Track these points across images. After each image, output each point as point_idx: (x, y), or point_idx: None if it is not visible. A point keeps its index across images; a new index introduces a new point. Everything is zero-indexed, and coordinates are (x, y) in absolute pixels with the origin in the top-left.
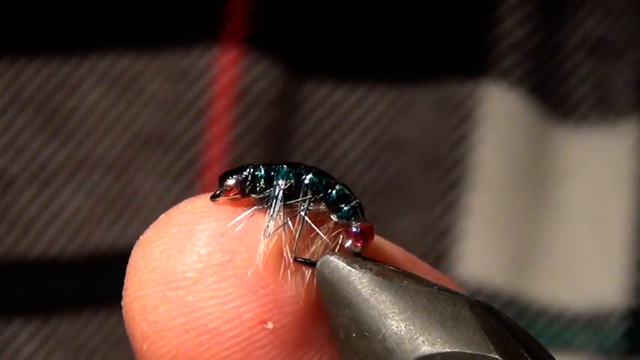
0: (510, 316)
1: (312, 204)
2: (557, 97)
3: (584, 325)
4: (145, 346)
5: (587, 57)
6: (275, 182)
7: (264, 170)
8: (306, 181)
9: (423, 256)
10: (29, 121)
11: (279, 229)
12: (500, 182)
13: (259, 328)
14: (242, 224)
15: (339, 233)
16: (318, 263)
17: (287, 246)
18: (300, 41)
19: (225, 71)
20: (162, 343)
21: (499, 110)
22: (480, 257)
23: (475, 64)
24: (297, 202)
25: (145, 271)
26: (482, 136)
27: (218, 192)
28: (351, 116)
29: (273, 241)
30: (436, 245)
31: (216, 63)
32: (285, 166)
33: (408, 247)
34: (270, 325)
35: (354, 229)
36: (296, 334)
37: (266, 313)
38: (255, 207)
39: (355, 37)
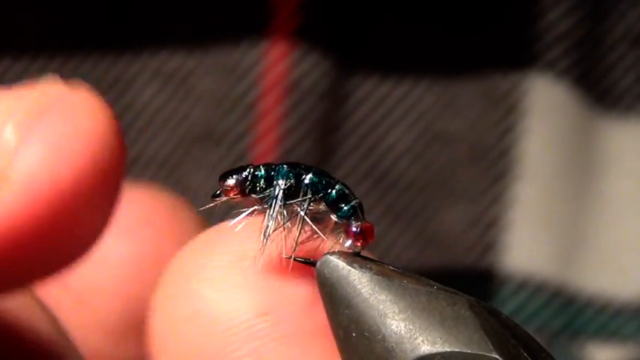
0: (558, 306)
1: (312, 204)
2: (601, 87)
3: (631, 315)
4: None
5: (631, 48)
6: (275, 182)
7: (264, 170)
8: (306, 181)
9: (470, 248)
10: None
11: (279, 229)
12: (546, 173)
13: (259, 320)
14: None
15: (339, 233)
16: (318, 263)
17: (287, 245)
18: (348, 34)
19: (275, 65)
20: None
21: (544, 101)
22: (527, 248)
23: (520, 55)
24: (297, 201)
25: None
26: (528, 127)
27: (218, 192)
28: (397, 110)
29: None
30: (484, 236)
31: (265, 57)
32: (285, 165)
33: (457, 239)
34: (269, 318)
35: (354, 229)
36: (295, 329)
37: (266, 307)
38: (255, 207)
39: (401, 29)
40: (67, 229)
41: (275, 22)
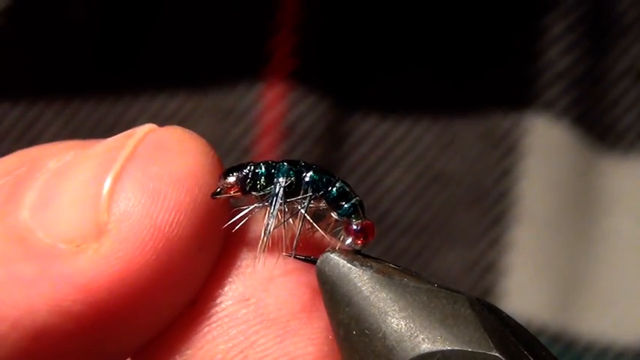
0: (557, 351)
1: (312, 201)
2: (602, 126)
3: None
4: None
5: (633, 85)
6: (276, 180)
7: (265, 168)
8: (307, 179)
9: (468, 292)
10: None
11: (280, 227)
12: (545, 215)
13: (242, 304)
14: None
15: (339, 231)
16: (319, 261)
17: (287, 243)
18: (345, 75)
19: (271, 108)
20: None
21: (544, 142)
22: (525, 292)
23: (520, 94)
24: (298, 199)
25: None
26: (527, 168)
27: (219, 189)
28: (396, 150)
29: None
30: (481, 280)
31: (261, 100)
32: (285, 163)
33: (454, 283)
34: (251, 301)
35: (355, 227)
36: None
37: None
38: (255, 204)
39: (399, 69)
40: (175, 276)
41: (271, 64)
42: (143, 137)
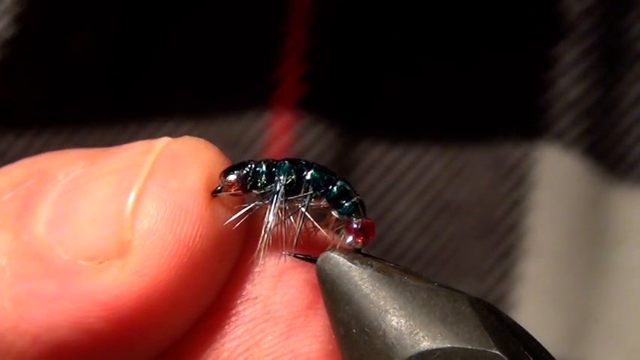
0: None
1: (313, 200)
2: (613, 156)
3: None
4: None
5: None
6: (276, 178)
7: (266, 166)
8: (308, 177)
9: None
10: None
11: (280, 225)
12: (555, 247)
13: (246, 299)
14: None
15: (340, 229)
16: (319, 259)
17: (287, 242)
18: (353, 102)
19: (279, 137)
20: None
21: (554, 172)
22: (534, 326)
23: (530, 124)
24: (299, 197)
25: None
26: (537, 200)
27: (219, 187)
28: (405, 178)
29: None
30: None
31: (268, 129)
32: (286, 161)
33: None
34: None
35: (355, 226)
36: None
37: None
38: (256, 202)
39: (408, 96)
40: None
41: (278, 93)
42: (161, 152)
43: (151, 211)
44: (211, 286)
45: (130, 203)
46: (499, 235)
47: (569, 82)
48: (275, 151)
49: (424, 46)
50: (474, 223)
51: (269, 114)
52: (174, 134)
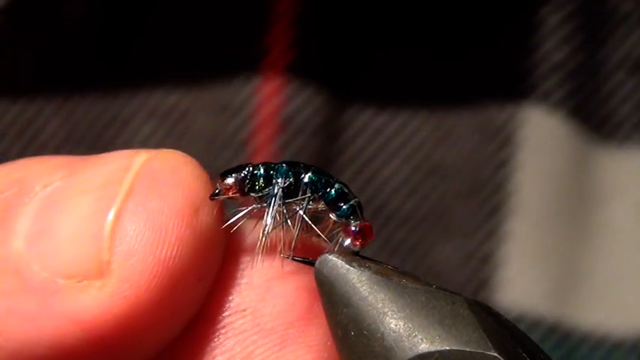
0: (553, 343)
1: (311, 203)
2: (598, 117)
3: (628, 352)
4: None
5: (629, 76)
6: (274, 181)
7: (264, 169)
8: (305, 180)
9: (464, 284)
10: None
11: (278, 228)
12: (541, 207)
13: (235, 311)
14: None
15: (338, 232)
16: (317, 262)
17: (285, 245)
18: (342, 68)
19: (268, 101)
20: None
21: (539, 133)
22: (521, 284)
23: (515, 87)
24: (296, 200)
25: None
26: (523, 160)
27: (217, 191)
28: (393, 142)
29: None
30: (477, 272)
31: (257, 93)
32: (284, 164)
33: (451, 274)
34: (247, 310)
35: (353, 228)
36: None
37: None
38: (253, 205)
39: (395, 62)
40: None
41: (268, 58)
42: (140, 170)
43: (130, 232)
44: (191, 304)
45: (108, 223)
46: (486, 195)
47: (554, 44)
48: (264, 116)
49: (412, 12)
50: (461, 184)
51: (258, 79)
52: (165, 101)
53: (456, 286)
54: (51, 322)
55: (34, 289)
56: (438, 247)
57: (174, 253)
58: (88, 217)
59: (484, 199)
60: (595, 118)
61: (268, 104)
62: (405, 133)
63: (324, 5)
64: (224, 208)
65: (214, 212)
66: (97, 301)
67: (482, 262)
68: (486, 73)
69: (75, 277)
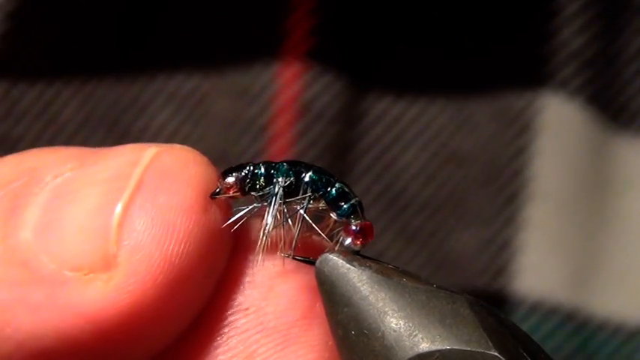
0: (570, 330)
1: (311, 202)
2: (616, 105)
3: None
4: None
5: None
6: (275, 180)
7: (264, 168)
8: (306, 179)
9: (482, 271)
10: (101, 142)
11: (278, 227)
12: (559, 194)
13: (238, 309)
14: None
15: (338, 231)
16: (318, 261)
17: (286, 244)
18: (361, 54)
19: (287, 87)
20: None
21: (557, 120)
22: (539, 271)
23: (533, 74)
24: (297, 199)
25: None
26: (541, 147)
27: (218, 190)
28: (411, 130)
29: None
30: (495, 259)
31: (277, 79)
32: (285, 163)
33: (469, 261)
34: (249, 309)
35: (354, 228)
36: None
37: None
38: (254, 205)
39: (414, 49)
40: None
41: (288, 43)
42: (149, 164)
43: (137, 227)
44: (197, 301)
45: (116, 217)
46: (504, 182)
47: (572, 32)
48: (283, 101)
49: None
50: (479, 171)
51: (278, 64)
52: (183, 85)
53: (474, 274)
54: (57, 313)
55: (41, 281)
56: (455, 234)
57: (181, 249)
58: (96, 209)
59: (502, 185)
60: (612, 106)
61: (288, 90)
62: (423, 120)
63: None
64: (231, 206)
65: (222, 210)
66: (103, 294)
67: (500, 249)
68: (504, 60)
69: (82, 269)
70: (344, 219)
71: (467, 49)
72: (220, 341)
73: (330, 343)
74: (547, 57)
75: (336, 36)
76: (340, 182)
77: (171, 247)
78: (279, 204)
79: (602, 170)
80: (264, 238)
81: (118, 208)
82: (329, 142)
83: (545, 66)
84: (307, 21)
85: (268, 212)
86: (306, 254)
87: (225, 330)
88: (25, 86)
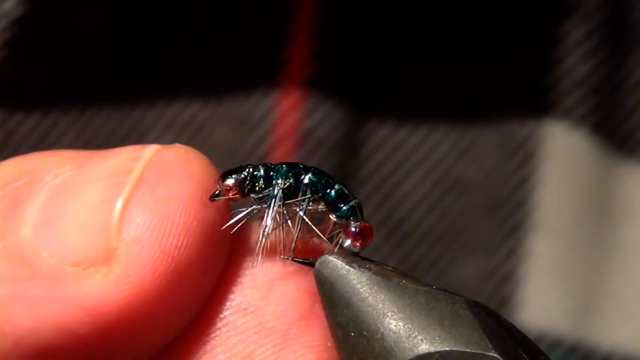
0: None
1: (311, 203)
2: (620, 134)
3: None
4: None
5: None
6: (274, 182)
7: (264, 170)
8: (305, 181)
9: (485, 302)
10: None
11: (278, 229)
12: (563, 224)
13: (237, 309)
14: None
15: (338, 233)
16: (317, 263)
17: (285, 245)
18: (361, 82)
19: (287, 115)
20: None
21: (561, 149)
22: (542, 302)
23: (537, 102)
24: (297, 201)
25: None
26: (544, 176)
27: (217, 192)
28: (412, 157)
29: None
30: (498, 290)
31: (277, 107)
32: (284, 165)
33: (471, 292)
34: (248, 309)
35: (353, 229)
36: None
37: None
38: (254, 206)
39: (416, 75)
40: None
41: (287, 71)
42: (150, 160)
43: (137, 220)
44: (195, 296)
45: (117, 211)
46: (507, 212)
47: (576, 60)
48: (283, 130)
49: (433, 26)
50: (481, 200)
51: (278, 92)
52: (182, 113)
53: None
54: (57, 307)
55: (41, 276)
56: (458, 263)
57: (180, 242)
58: (97, 204)
59: (505, 215)
60: (618, 134)
61: (288, 118)
62: (425, 148)
63: (344, 19)
64: (230, 208)
65: (222, 211)
66: (103, 287)
67: (503, 280)
68: (508, 87)
69: (82, 263)
70: (343, 220)
71: (469, 77)
72: (219, 341)
73: (329, 344)
74: (551, 85)
75: (336, 63)
76: (340, 184)
77: (170, 240)
78: (279, 206)
79: (606, 200)
80: (264, 239)
81: (119, 203)
82: (330, 171)
83: (549, 94)
84: (306, 48)
85: (268, 214)
86: (306, 256)
87: (224, 330)
88: (21, 116)
